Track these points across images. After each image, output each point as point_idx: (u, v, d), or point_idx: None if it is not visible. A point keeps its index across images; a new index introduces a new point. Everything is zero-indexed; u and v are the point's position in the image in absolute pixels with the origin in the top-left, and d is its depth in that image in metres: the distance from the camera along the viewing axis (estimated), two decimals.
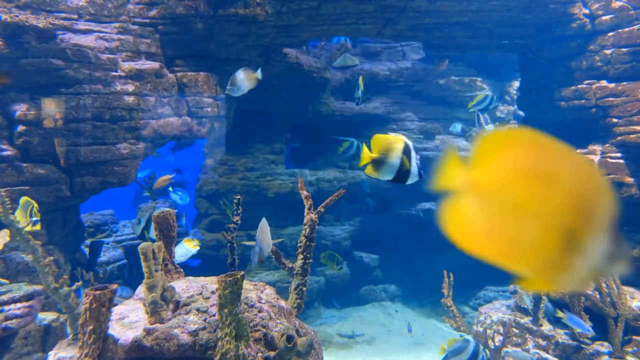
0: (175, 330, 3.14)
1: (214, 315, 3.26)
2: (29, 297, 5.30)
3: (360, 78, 6.36)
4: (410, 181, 3.36)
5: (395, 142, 3.32)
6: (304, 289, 4.28)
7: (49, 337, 5.55)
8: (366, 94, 13.36)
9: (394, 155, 3.30)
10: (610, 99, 7.30)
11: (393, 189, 12.63)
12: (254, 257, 4.40)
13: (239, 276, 2.84)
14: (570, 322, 5.60)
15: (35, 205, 5.33)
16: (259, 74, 6.38)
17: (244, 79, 6.26)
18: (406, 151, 3.28)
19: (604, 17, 7.35)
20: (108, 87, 6.43)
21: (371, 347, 9.57)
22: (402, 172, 3.31)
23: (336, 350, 9.43)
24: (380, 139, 3.37)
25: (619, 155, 7.23)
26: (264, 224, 4.56)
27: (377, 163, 3.36)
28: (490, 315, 7.47)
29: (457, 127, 12.15)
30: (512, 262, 1.31)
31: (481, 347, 6.24)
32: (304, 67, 10.69)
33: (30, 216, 5.31)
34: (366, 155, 3.39)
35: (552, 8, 7.45)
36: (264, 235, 4.47)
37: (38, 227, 5.31)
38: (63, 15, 6.44)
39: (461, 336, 6.49)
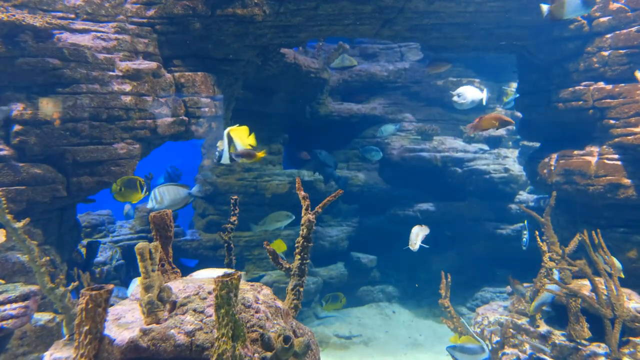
0: (172, 331, 3.12)
1: (210, 316, 3.25)
2: (24, 297, 5.28)
3: (231, 129, 5.42)
4: None
5: None
6: (301, 289, 4.26)
7: (44, 337, 5.52)
8: (364, 94, 13.37)
9: None
10: (608, 100, 7.31)
11: (390, 191, 12.65)
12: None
13: (236, 276, 2.83)
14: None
15: (141, 180, 5.40)
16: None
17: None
18: None
19: (602, 19, 7.37)
20: (105, 87, 6.41)
21: (368, 348, 9.57)
22: None
23: (333, 351, 9.42)
24: None
25: (616, 156, 7.24)
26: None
27: None
28: (488, 316, 7.47)
29: (389, 128, 11.97)
30: None
31: None
32: (301, 68, 10.68)
33: (142, 189, 5.33)
34: None
35: None
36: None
37: (142, 195, 5.40)
38: (60, 14, 6.41)
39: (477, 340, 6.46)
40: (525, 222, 7.78)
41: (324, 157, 11.69)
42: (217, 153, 5.47)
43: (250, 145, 5.38)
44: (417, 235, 6.90)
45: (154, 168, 13.45)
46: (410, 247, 6.97)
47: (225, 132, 5.33)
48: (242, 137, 5.36)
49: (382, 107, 13.09)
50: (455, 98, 7.57)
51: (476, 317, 7.80)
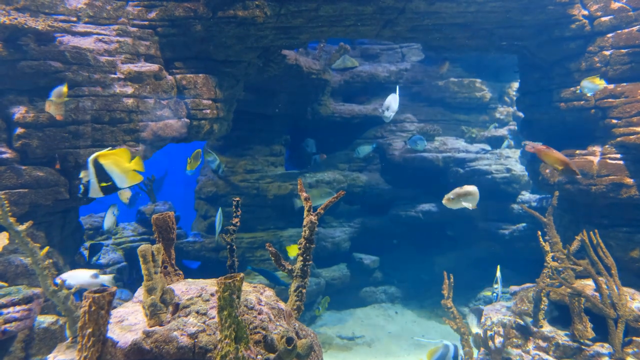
0: (175, 333, 3.12)
1: (213, 318, 3.25)
2: (27, 299, 5.29)
3: (100, 155, 4.30)
4: None
5: None
6: (304, 290, 4.26)
7: (48, 340, 5.53)
8: (366, 95, 13.37)
9: None
10: (610, 100, 7.30)
11: (392, 191, 12.65)
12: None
13: (238, 278, 2.83)
14: None
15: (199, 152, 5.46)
16: None
17: None
18: None
19: (603, 18, 7.36)
20: (107, 90, 6.43)
21: (371, 349, 9.56)
22: None
23: (336, 352, 9.41)
24: None
25: (618, 156, 7.23)
26: None
27: None
28: (491, 316, 7.44)
29: (365, 149, 11.86)
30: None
31: (460, 347, 6.33)
32: (303, 69, 10.69)
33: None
34: None
35: (551, 9, 7.45)
36: None
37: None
38: (62, 17, 6.43)
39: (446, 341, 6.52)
40: (498, 274, 7.52)
41: (311, 146, 12.16)
42: (80, 186, 4.42)
43: (135, 170, 4.43)
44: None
45: (157, 170, 13.48)
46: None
47: (90, 159, 4.27)
48: (118, 162, 4.35)
49: None
50: (386, 113, 7.95)
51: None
